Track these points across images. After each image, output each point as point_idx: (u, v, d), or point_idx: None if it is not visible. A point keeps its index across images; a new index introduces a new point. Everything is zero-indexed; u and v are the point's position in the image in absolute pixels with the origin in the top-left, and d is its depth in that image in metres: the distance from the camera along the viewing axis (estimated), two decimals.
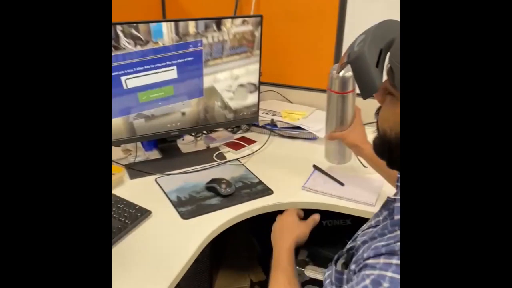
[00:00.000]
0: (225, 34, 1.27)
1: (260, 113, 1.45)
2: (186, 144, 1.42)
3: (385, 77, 0.64)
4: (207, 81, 1.30)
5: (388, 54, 0.62)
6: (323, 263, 1.40)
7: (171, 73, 1.24)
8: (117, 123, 1.21)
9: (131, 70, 1.18)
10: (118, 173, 1.15)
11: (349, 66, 0.68)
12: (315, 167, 1.26)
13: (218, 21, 1.24)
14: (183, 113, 1.31)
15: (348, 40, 1.51)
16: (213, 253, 1.39)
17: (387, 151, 0.66)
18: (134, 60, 1.17)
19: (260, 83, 1.39)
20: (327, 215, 1.30)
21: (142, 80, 1.21)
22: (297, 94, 1.64)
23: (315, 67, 1.58)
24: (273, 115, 1.50)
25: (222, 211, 1.07)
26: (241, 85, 1.36)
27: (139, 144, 1.34)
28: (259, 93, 1.39)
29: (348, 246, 0.82)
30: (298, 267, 1.42)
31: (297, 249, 1.50)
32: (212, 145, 1.39)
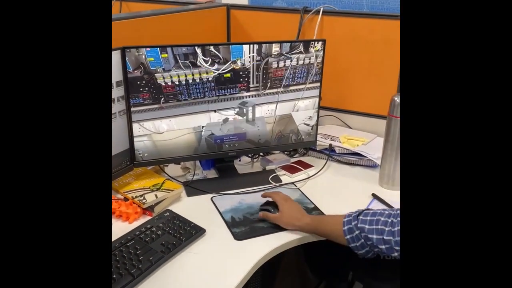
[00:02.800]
0: (312, 56, 1.27)
1: (318, 137, 1.43)
2: (243, 165, 1.43)
3: None
4: (285, 108, 1.31)
5: None
6: None
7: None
8: (188, 139, 1.25)
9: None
10: (177, 189, 1.18)
11: None
12: (375, 196, 1.21)
13: (306, 43, 1.26)
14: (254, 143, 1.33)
15: None
16: (265, 279, 1.37)
17: None
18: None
19: (320, 107, 1.37)
20: None
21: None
22: (357, 120, 1.60)
23: (377, 93, 1.54)
24: (331, 140, 1.48)
25: (275, 235, 1.05)
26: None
27: (197, 162, 1.37)
28: (318, 117, 1.38)
29: None
30: None
31: (352, 282, 1.44)
32: (268, 167, 1.39)
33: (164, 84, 1.17)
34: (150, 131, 1.20)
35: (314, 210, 1.16)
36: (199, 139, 1.27)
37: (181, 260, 0.95)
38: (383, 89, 1.51)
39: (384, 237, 0.86)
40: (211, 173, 1.37)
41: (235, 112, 1.28)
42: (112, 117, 1.12)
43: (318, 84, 1.33)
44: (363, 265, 1.45)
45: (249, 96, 1.27)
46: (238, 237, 1.04)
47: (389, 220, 0.86)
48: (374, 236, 0.88)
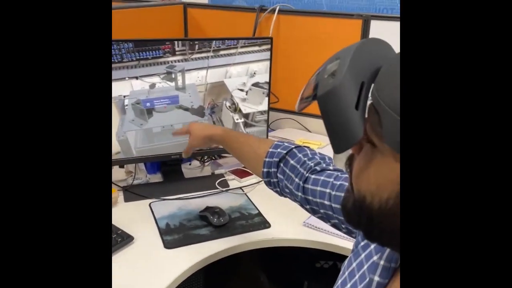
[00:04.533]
0: None
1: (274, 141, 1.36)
2: (192, 169, 1.35)
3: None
4: (216, 75, 1.18)
5: (372, 87, 0.43)
6: None
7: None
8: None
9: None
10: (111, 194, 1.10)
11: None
12: None
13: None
14: (187, 109, 1.19)
15: None
16: (210, 285, 1.29)
17: (365, 222, 0.46)
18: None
19: (278, 110, 1.31)
20: (329, 256, 1.17)
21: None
22: (316, 123, 1.54)
23: None
24: None
25: (211, 242, 0.98)
26: (257, 85, 1.23)
27: (141, 166, 1.29)
28: (268, 122, 1.31)
29: None
30: None
31: None
32: (217, 172, 1.32)
33: None
34: None
35: (257, 216, 1.09)
36: (122, 109, 1.12)
37: None
38: None
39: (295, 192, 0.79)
40: (156, 177, 1.29)
41: (162, 77, 1.14)
42: None
43: (250, 49, 1.19)
44: (318, 276, 1.39)
45: (175, 61, 1.14)
46: (168, 245, 0.96)
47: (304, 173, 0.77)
48: (289, 191, 0.80)
